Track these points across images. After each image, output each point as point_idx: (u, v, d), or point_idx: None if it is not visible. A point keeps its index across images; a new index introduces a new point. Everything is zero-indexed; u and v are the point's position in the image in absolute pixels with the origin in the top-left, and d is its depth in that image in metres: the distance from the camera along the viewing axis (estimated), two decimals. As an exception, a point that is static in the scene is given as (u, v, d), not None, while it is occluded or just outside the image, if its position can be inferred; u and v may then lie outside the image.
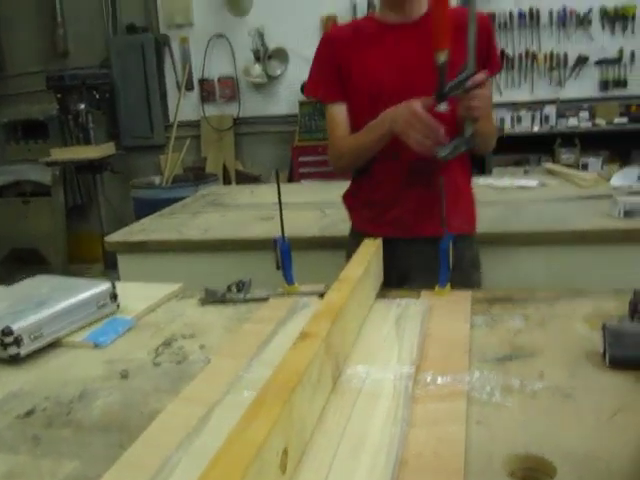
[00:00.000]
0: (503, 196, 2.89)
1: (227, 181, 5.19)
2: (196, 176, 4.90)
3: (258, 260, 2.44)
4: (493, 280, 2.32)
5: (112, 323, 1.34)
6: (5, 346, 1.17)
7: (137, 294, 1.51)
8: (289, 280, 1.51)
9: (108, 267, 5.20)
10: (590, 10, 4.56)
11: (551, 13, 4.61)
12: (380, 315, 1.27)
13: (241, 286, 1.53)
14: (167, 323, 1.38)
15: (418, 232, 1.78)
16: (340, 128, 1.81)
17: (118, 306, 1.41)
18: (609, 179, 2.99)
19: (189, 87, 5.24)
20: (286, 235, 2.30)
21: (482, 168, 4.51)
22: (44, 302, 1.28)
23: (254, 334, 1.22)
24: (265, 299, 1.47)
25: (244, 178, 5.27)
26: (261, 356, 1.12)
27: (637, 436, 0.87)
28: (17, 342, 1.18)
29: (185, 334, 1.30)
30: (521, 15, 4.65)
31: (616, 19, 4.55)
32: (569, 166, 4.35)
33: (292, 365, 0.83)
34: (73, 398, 1.06)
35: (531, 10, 4.63)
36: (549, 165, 3.54)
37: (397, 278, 1.68)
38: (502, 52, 4.70)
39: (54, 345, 1.27)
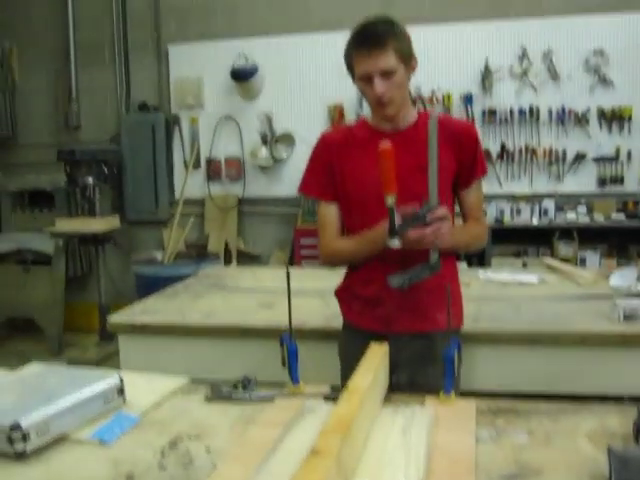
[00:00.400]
0: (504, 292, 2.93)
1: (228, 259, 5.22)
2: (198, 254, 4.93)
3: (259, 348, 2.47)
4: (494, 378, 2.33)
5: (118, 419, 1.34)
6: (12, 441, 1.17)
7: (143, 386, 1.51)
8: (295, 380, 1.52)
9: (104, 339, 5.19)
10: (588, 109, 4.72)
11: (550, 111, 4.77)
12: (386, 424, 1.28)
13: (246, 383, 1.53)
14: (173, 421, 1.38)
15: (405, 329, 1.86)
16: (330, 228, 1.95)
17: (124, 400, 1.41)
18: (608, 277, 3.03)
19: (196, 166, 5.35)
20: (287, 325, 2.33)
21: (481, 260, 4.57)
22: (52, 396, 1.29)
23: (261, 439, 1.22)
24: (271, 399, 1.47)
25: (245, 257, 5.32)
26: (268, 465, 1.12)
27: None
28: (24, 438, 1.18)
29: (191, 434, 1.30)
30: (521, 111, 4.81)
31: (613, 119, 4.71)
32: (567, 260, 4.43)
33: (304, 486, 0.84)
34: (78, 502, 1.06)
35: (531, 107, 4.79)
36: (548, 260, 3.59)
37: None
38: (502, 146, 4.84)
39: (59, 440, 1.26)
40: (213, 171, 5.37)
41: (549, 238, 4.74)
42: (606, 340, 2.30)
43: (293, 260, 5.01)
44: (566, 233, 4.69)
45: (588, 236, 4.68)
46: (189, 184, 5.28)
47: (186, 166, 5.38)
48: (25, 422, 1.18)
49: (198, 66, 5.31)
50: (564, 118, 4.75)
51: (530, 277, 3.16)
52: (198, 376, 2.56)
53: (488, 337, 2.31)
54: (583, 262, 4.57)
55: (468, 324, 2.08)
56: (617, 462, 1.08)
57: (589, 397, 2.51)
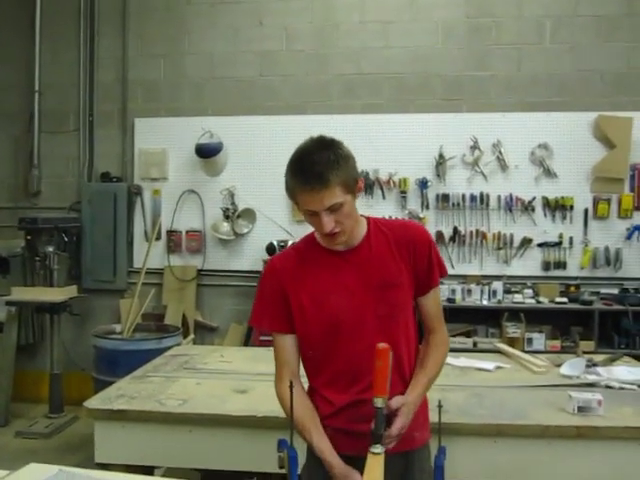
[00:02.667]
0: (464, 379, 3.09)
1: (185, 329, 5.24)
2: (158, 327, 4.96)
3: (237, 436, 2.55)
4: (460, 469, 2.45)
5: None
6: None
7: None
8: (295, 485, 1.62)
9: (53, 410, 5.08)
10: (534, 198, 5.04)
11: (499, 198, 5.08)
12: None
13: (247, 487, 1.62)
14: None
15: None
16: (285, 359, 1.88)
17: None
18: (558, 365, 3.25)
19: (157, 237, 5.40)
20: (263, 414, 2.42)
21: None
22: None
23: None
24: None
25: (203, 329, 5.37)
26: None
27: None
28: None
29: None
30: (473, 198, 5.10)
31: (556, 208, 5.05)
32: (515, 340, 4.67)
33: None
34: None
35: (481, 194, 5.09)
36: (501, 346, 3.78)
37: None
38: (454, 229, 5.11)
39: None
40: (173, 242, 5.44)
41: (498, 318, 4.98)
42: (562, 432, 2.47)
43: (251, 334, 5.08)
44: (514, 314, 4.93)
45: (534, 317, 4.92)
46: (149, 254, 5.32)
47: (147, 237, 5.43)
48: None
49: (163, 140, 5.44)
50: (512, 205, 5.07)
51: (487, 364, 3.34)
52: (176, 464, 2.64)
53: (456, 429, 2.44)
54: (530, 342, 4.80)
55: (436, 415, 2.17)
56: None
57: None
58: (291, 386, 1.62)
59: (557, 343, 4.83)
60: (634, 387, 2.90)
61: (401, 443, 1.75)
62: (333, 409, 1.83)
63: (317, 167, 1.64)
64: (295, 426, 1.71)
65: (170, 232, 5.44)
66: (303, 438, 1.79)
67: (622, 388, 2.90)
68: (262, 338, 4.81)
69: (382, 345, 1.59)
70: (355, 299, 1.80)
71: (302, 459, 1.79)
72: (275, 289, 1.85)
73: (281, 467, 1.66)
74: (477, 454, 2.49)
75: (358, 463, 1.73)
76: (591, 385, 2.93)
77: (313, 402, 1.88)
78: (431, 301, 1.90)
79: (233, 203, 5.30)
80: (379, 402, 1.60)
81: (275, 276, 1.87)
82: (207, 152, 5.22)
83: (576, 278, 5.07)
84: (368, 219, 1.90)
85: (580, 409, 2.56)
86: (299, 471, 1.67)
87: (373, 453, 1.60)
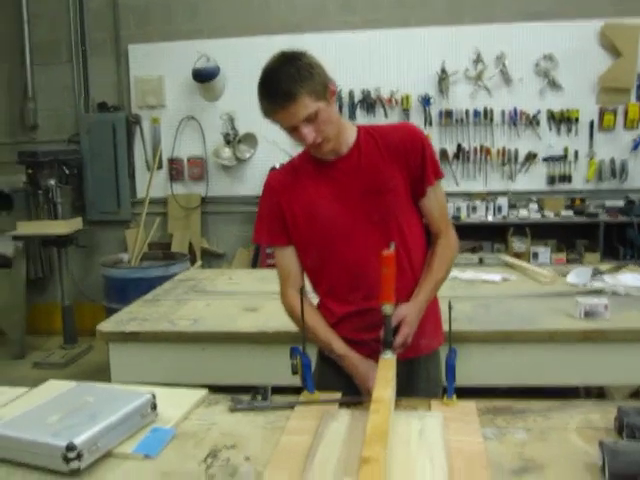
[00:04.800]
0: (471, 291, 3.12)
1: (192, 258, 5.28)
2: (165, 255, 4.98)
3: (249, 352, 2.60)
4: (470, 374, 2.50)
5: (156, 433, 1.44)
6: (68, 461, 1.26)
7: (167, 400, 1.60)
8: (310, 389, 1.65)
9: (68, 341, 5.18)
10: (539, 112, 4.97)
11: (503, 113, 5.00)
12: (404, 429, 1.42)
13: (263, 392, 1.65)
14: (205, 432, 1.49)
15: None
16: (286, 275, 1.90)
17: (156, 415, 1.51)
18: (565, 274, 3.27)
19: (158, 166, 5.37)
20: (274, 330, 2.43)
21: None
22: (95, 415, 1.38)
23: (295, 447, 1.36)
24: (290, 407, 1.60)
25: (209, 256, 5.40)
26: (312, 472, 1.25)
27: None
28: (79, 456, 1.27)
29: (227, 444, 1.42)
30: (476, 113, 5.02)
31: (562, 121, 4.98)
32: (520, 255, 4.68)
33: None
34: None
35: (485, 109, 5.01)
36: (507, 258, 3.80)
37: None
38: (458, 146, 5.05)
39: (106, 456, 1.36)
40: (176, 170, 5.41)
41: (503, 234, 4.99)
42: (570, 336, 2.51)
43: (258, 258, 5.12)
44: (519, 229, 4.94)
45: (539, 231, 4.94)
46: (152, 184, 5.29)
47: (148, 166, 5.39)
48: (78, 441, 1.27)
49: (159, 66, 5.32)
50: (516, 120, 4.99)
51: (493, 276, 3.36)
52: (190, 382, 2.69)
53: (464, 336, 2.48)
54: (535, 256, 4.83)
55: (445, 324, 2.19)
56: (609, 454, 1.25)
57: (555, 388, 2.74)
58: (302, 292, 1.63)
59: (562, 256, 4.86)
60: (640, 293, 2.93)
61: (406, 350, 1.74)
62: (334, 319, 1.85)
63: (281, 84, 1.65)
64: (307, 335, 1.73)
65: (171, 160, 5.40)
66: (320, 344, 1.83)
67: (628, 294, 2.93)
68: (269, 262, 4.85)
69: (387, 252, 1.59)
70: (347, 206, 1.79)
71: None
72: (271, 204, 1.87)
73: (294, 373, 1.68)
74: (486, 360, 2.54)
75: None
76: (598, 292, 2.95)
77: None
78: (432, 202, 1.86)
79: (233, 128, 5.23)
80: (387, 309, 1.59)
81: (271, 192, 1.88)
82: (204, 76, 5.12)
83: (581, 191, 5.04)
84: (358, 127, 1.87)
85: (587, 314, 2.60)
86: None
87: (384, 359, 1.62)
